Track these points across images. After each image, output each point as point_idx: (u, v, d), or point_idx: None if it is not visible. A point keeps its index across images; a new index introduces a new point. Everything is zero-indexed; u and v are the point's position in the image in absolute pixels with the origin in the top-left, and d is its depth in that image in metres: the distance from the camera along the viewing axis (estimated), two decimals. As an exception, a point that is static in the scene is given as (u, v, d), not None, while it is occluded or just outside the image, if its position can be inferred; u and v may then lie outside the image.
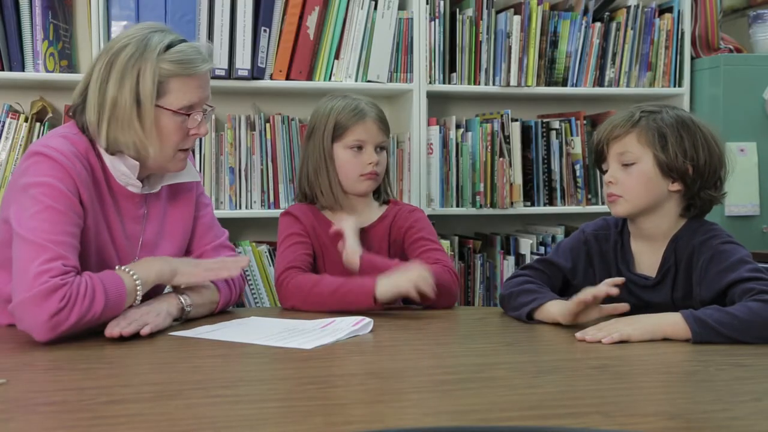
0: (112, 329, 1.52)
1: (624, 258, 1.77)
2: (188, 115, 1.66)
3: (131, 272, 1.60)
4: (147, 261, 1.68)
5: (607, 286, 1.58)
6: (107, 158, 1.67)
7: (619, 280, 1.61)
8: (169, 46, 1.64)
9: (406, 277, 1.75)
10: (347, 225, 1.92)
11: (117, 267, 1.63)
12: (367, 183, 1.98)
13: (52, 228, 1.53)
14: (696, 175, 1.67)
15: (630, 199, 1.69)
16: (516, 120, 2.89)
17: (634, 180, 1.68)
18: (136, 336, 1.53)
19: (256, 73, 2.64)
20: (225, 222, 2.01)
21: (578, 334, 1.53)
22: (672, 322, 1.52)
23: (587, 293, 1.57)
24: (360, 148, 1.96)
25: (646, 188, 1.68)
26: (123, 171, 1.67)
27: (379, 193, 2.08)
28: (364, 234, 1.98)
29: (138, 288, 1.60)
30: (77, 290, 1.49)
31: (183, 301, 1.68)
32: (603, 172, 1.75)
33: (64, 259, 1.51)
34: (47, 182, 1.56)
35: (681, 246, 1.71)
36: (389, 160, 2.09)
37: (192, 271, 1.71)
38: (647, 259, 1.75)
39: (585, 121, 2.96)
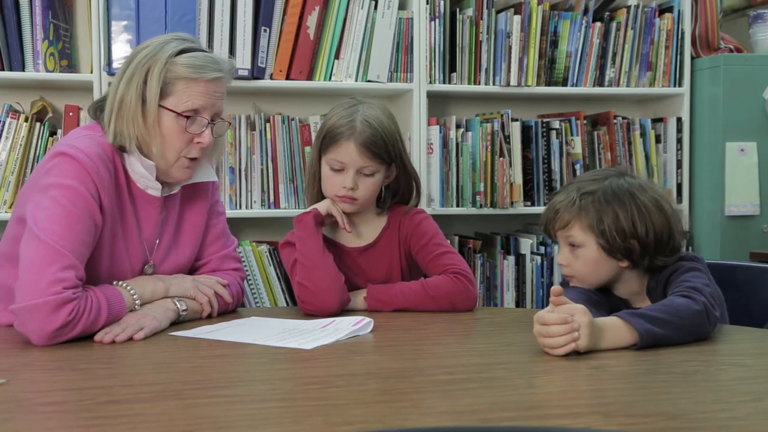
0: (104, 335, 1.52)
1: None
2: (188, 118, 1.66)
3: (130, 289, 1.64)
4: (143, 279, 1.71)
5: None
6: (127, 160, 1.68)
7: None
8: (183, 51, 1.66)
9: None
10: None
11: (116, 282, 1.66)
12: (342, 205, 1.88)
13: (69, 234, 1.53)
14: (642, 250, 1.64)
15: (584, 280, 1.69)
16: (516, 120, 2.89)
17: (582, 263, 1.68)
18: (129, 340, 1.53)
19: (256, 72, 2.64)
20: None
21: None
22: (613, 326, 1.44)
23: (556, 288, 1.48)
24: (339, 168, 1.85)
25: (596, 269, 1.68)
26: (142, 173, 1.68)
27: (382, 201, 1.99)
28: (372, 250, 1.95)
29: (136, 306, 1.64)
30: (84, 306, 1.51)
31: (178, 306, 1.69)
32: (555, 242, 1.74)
33: (76, 270, 1.52)
34: (69, 185, 1.56)
35: (655, 294, 1.70)
36: (406, 170, 1.95)
37: (183, 293, 1.73)
38: (640, 303, 1.73)
39: (585, 121, 2.96)
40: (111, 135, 1.65)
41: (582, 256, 1.68)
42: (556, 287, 1.42)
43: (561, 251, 1.73)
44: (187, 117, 1.66)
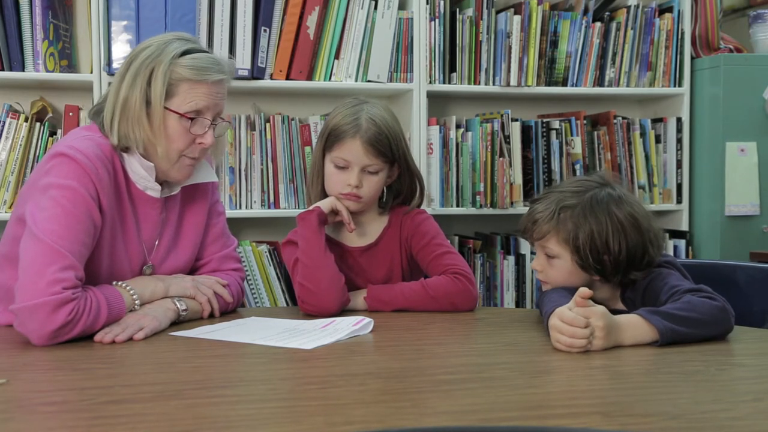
0: (104, 335, 1.52)
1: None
2: (192, 119, 1.66)
3: (130, 290, 1.64)
4: (142, 279, 1.71)
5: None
6: (126, 161, 1.68)
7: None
8: (186, 52, 1.66)
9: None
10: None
11: (115, 283, 1.66)
12: (346, 203, 1.88)
13: (68, 234, 1.53)
14: (614, 267, 1.64)
15: (557, 286, 1.70)
16: (516, 120, 2.89)
17: (557, 272, 1.70)
18: (129, 340, 1.53)
19: (256, 73, 2.65)
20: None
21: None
22: (634, 324, 1.47)
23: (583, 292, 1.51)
24: (344, 166, 1.85)
25: (568, 278, 1.69)
26: (141, 174, 1.68)
27: (384, 201, 1.98)
28: (374, 250, 1.95)
29: (136, 306, 1.64)
30: (84, 306, 1.51)
31: (178, 306, 1.69)
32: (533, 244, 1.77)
33: (76, 270, 1.52)
34: (69, 185, 1.56)
35: (632, 303, 1.70)
36: (410, 170, 1.94)
37: (183, 293, 1.73)
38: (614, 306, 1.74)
39: (585, 121, 2.96)
40: (115, 137, 1.65)
41: (556, 266, 1.70)
42: (585, 290, 1.45)
43: (537, 257, 1.75)
44: (190, 118, 1.66)
